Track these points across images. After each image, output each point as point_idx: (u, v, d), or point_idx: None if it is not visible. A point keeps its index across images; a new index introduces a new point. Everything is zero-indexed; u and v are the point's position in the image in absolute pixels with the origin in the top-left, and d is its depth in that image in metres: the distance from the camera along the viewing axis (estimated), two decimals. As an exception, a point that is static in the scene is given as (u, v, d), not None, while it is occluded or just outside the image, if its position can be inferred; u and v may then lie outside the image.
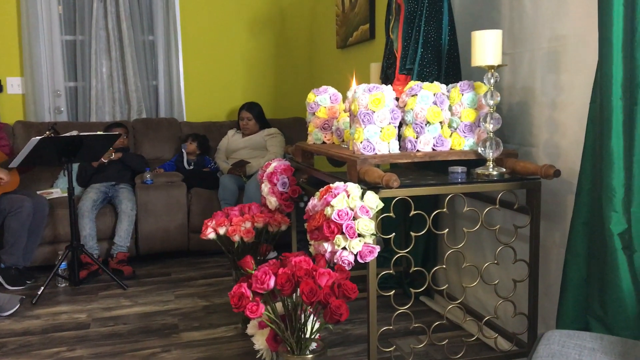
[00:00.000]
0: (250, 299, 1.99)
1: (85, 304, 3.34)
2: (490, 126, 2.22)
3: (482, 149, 2.26)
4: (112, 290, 3.57)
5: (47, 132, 3.66)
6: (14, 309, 3.17)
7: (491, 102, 2.22)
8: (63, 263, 3.64)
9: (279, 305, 2.10)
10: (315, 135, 2.92)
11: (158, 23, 4.92)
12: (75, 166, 4.19)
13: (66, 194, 3.73)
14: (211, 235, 2.99)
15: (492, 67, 2.18)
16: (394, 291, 2.28)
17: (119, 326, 3.01)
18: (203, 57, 5.13)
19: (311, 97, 2.93)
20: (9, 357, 2.68)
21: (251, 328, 2.28)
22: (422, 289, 2.36)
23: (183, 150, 4.60)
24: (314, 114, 2.92)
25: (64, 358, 2.65)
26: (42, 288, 3.39)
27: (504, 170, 2.26)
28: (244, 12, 5.19)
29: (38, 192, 4.05)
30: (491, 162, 2.25)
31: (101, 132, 3.92)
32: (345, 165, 2.38)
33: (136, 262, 4.05)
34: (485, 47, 2.16)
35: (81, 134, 3.55)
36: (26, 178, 4.00)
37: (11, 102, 4.69)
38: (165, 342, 2.79)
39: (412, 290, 2.34)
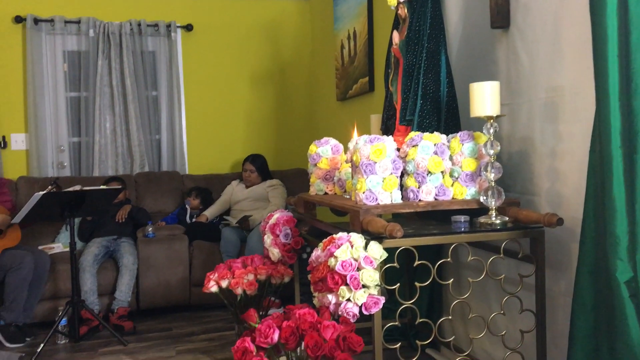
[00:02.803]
0: (254, 353, 1.96)
1: (85, 361, 3.28)
2: (491, 175, 2.24)
3: (484, 197, 2.26)
4: (113, 347, 3.51)
5: (50, 187, 3.68)
6: (13, 367, 3.12)
7: (491, 152, 2.24)
8: (63, 319, 3.59)
9: (283, 360, 2.07)
10: (317, 186, 2.94)
11: (161, 79, 5.03)
12: (77, 221, 4.19)
13: (68, 249, 3.71)
14: (213, 288, 2.97)
15: (491, 117, 2.22)
16: (399, 344, 2.24)
17: (119, 384, 2.95)
18: (205, 111, 5.21)
19: (313, 148, 2.96)
20: (6, 417, 2.61)
21: (255, 384, 2.23)
22: (429, 341, 2.32)
23: (187, 206, 4.61)
24: (315, 165, 2.94)
25: (63, 418, 2.59)
26: (42, 345, 3.33)
27: (507, 219, 2.26)
28: (245, 67, 5.31)
29: (40, 247, 4.04)
30: (494, 211, 2.25)
31: (104, 187, 3.94)
32: (347, 216, 2.38)
33: (137, 316, 4.00)
34: (484, 98, 2.20)
35: (84, 188, 3.57)
36: (28, 233, 3.99)
37: (15, 158, 4.74)
38: (166, 400, 2.72)
39: (418, 343, 2.30)
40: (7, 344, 3.55)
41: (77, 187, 3.57)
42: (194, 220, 4.56)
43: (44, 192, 3.40)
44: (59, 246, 4.20)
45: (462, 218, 2.32)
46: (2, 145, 4.66)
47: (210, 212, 4.60)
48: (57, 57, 4.80)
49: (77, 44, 4.84)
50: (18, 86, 4.74)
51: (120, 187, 4.03)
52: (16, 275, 3.60)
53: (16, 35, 4.72)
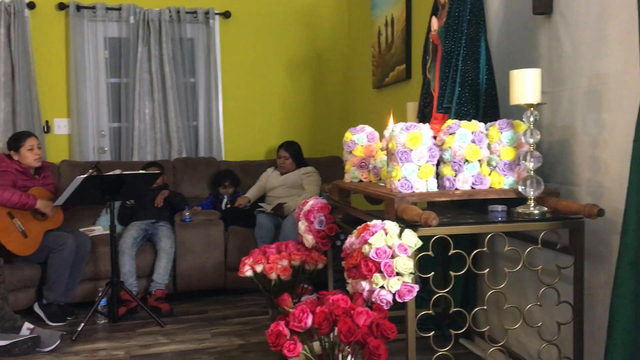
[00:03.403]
0: (288, 337, 1.98)
1: (124, 341, 3.36)
2: (530, 164, 2.20)
3: (523, 187, 2.23)
4: (150, 328, 3.59)
5: (90, 171, 3.77)
6: (55, 345, 3.22)
7: (531, 141, 2.20)
8: (103, 300, 3.69)
9: (316, 345, 2.08)
10: (352, 174, 2.94)
11: (199, 65, 5.08)
12: (117, 205, 4.28)
13: (108, 232, 3.81)
14: (248, 272, 3.01)
15: (531, 105, 2.18)
16: (433, 332, 2.23)
17: (156, 364, 3.02)
18: (241, 98, 5.25)
19: (348, 135, 2.95)
20: (49, 392, 2.71)
21: (288, 368, 2.26)
22: (463, 330, 2.30)
23: (224, 196, 4.65)
24: (351, 152, 2.94)
25: (102, 395, 2.67)
26: (82, 324, 3.43)
27: (546, 209, 2.22)
28: (281, 54, 5.32)
29: (81, 230, 4.15)
30: (532, 201, 2.22)
31: (143, 171, 4.02)
32: (382, 204, 2.38)
33: (173, 299, 4.08)
34: (524, 85, 2.16)
35: (124, 172, 3.65)
36: (69, 216, 4.10)
37: (57, 143, 4.87)
38: (201, 381, 2.78)
39: (452, 332, 2.29)
40: (49, 323, 3.67)
41: (117, 172, 3.65)
42: (228, 206, 4.60)
43: (86, 175, 3.49)
44: (99, 229, 4.31)
45: (500, 207, 2.29)
46: (45, 130, 4.79)
47: (251, 194, 4.65)
48: (99, 43, 4.89)
49: (118, 30, 4.92)
50: (61, 72, 4.85)
51: (158, 172, 4.11)
52: (58, 256, 3.71)
53: (59, 22, 4.82)
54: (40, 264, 3.79)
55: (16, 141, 3.84)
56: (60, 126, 4.88)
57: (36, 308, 3.74)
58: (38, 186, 3.88)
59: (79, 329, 3.41)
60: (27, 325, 3.22)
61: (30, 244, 3.69)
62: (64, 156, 4.83)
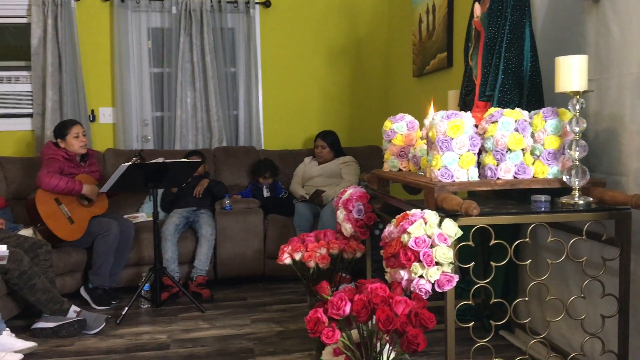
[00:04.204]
0: (326, 324, 1.98)
1: (166, 325, 3.44)
2: (576, 154, 2.14)
3: (567, 177, 2.18)
4: (191, 313, 3.67)
5: (134, 159, 3.85)
6: (100, 328, 3.32)
7: (577, 129, 2.14)
8: (146, 285, 3.78)
9: (354, 333, 2.09)
10: (391, 163, 2.92)
11: (240, 55, 5.11)
12: (159, 193, 4.37)
13: (151, 219, 3.89)
14: (287, 260, 3.03)
15: (577, 93, 2.12)
16: (472, 323, 2.21)
17: (197, 348, 3.08)
18: (281, 87, 5.27)
19: (388, 124, 2.93)
20: (95, 373, 2.80)
21: (326, 355, 2.27)
22: (503, 322, 2.27)
23: (263, 185, 4.68)
24: (390, 141, 2.92)
25: (145, 377, 2.74)
26: (126, 308, 3.53)
27: (591, 199, 2.17)
28: (321, 43, 5.31)
29: (125, 216, 4.25)
30: (577, 191, 2.16)
31: (185, 159, 4.08)
32: (421, 194, 2.36)
33: (214, 285, 4.14)
34: (570, 72, 2.10)
35: (167, 160, 3.72)
36: (114, 203, 4.21)
37: (103, 131, 4.99)
38: (241, 366, 2.83)
39: (493, 323, 2.26)
40: (95, 306, 3.78)
41: (160, 160, 3.72)
42: (268, 195, 4.65)
43: (130, 163, 3.56)
44: (143, 216, 4.41)
45: (543, 198, 2.25)
46: (91, 119, 4.92)
47: (301, 192, 4.62)
48: (142, 34, 4.98)
49: (161, 20, 5.00)
50: (106, 62, 4.97)
51: (200, 160, 4.17)
52: (103, 241, 3.82)
53: (104, 13, 4.93)
54: (86, 249, 3.91)
55: (62, 129, 3.95)
56: (105, 115, 5.00)
57: (82, 292, 3.86)
58: (84, 173, 3.98)
59: (123, 312, 3.51)
60: (73, 308, 3.32)
61: (77, 230, 3.80)
62: (109, 144, 4.95)
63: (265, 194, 4.66)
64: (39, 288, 3.20)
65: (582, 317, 2.26)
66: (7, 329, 3.01)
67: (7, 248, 2.84)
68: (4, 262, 2.84)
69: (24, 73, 4.84)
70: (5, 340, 2.94)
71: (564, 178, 2.19)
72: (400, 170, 2.90)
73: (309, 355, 2.92)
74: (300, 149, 5.20)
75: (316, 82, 5.33)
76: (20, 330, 3.25)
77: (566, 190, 2.22)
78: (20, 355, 2.88)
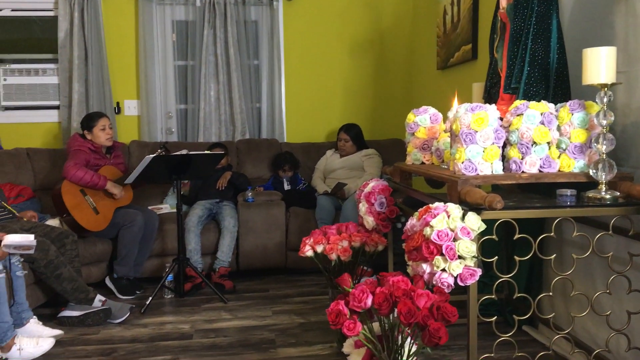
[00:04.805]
0: (348, 316, 1.99)
1: (189, 315, 3.48)
2: (603, 147, 2.11)
3: (594, 171, 2.14)
4: (214, 303, 3.70)
5: (159, 151, 3.89)
6: (125, 317, 3.37)
7: (604, 122, 2.11)
8: (170, 275, 3.83)
9: (375, 326, 2.09)
10: (414, 156, 2.90)
11: (263, 48, 5.12)
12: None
13: (175, 210, 3.93)
14: (309, 252, 3.04)
15: (605, 85, 2.08)
16: (495, 317, 2.19)
17: (220, 338, 3.11)
18: (304, 80, 5.26)
19: (411, 117, 2.92)
20: (119, 361, 2.85)
21: (347, 347, 2.28)
22: (526, 316, 2.25)
23: (284, 179, 4.69)
24: (413, 134, 2.90)
25: (168, 365, 2.78)
26: (150, 298, 3.58)
27: (618, 194, 2.13)
28: (344, 35, 5.29)
29: (149, 208, 4.30)
30: (604, 185, 2.13)
31: (208, 152, 4.11)
32: (444, 187, 2.34)
33: (236, 276, 4.18)
34: (598, 64, 2.06)
35: (190, 152, 3.75)
36: (138, 194, 4.26)
37: (128, 123, 5.05)
38: (263, 357, 2.84)
39: (516, 318, 2.24)
40: (120, 296, 3.84)
41: (184, 152, 3.75)
42: (289, 187, 4.66)
43: (154, 155, 3.60)
44: (167, 207, 4.45)
45: (569, 192, 2.22)
46: (116, 111, 4.98)
47: (323, 188, 4.62)
48: (167, 26, 5.02)
49: (185, 13, 5.03)
50: (131, 55, 5.02)
51: (223, 152, 4.20)
52: (128, 232, 3.87)
53: (130, 6, 4.97)
54: (111, 240, 3.97)
55: (89, 121, 4.00)
56: (130, 107, 5.06)
57: (107, 281, 3.92)
58: (109, 165, 4.04)
59: (147, 302, 3.56)
60: (99, 297, 3.38)
61: (102, 220, 3.86)
62: (134, 136, 5.01)
63: (286, 187, 4.67)
64: (65, 277, 3.26)
65: (608, 313, 2.23)
66: (35, 317, 3.08)
67: (35, 238, 2.90)
68: (32, 252, 2.90)
69: (51, 66, 4.92)
70: (33, 327, 3.01)
71: (591, 172, 2.16)
72: (423, 163, 2.88)
73: (330, 347, 2.93)
74: (323, 141, 5.20)
75: (339, 74, 5.32)
76: (47, 318, 3.31)
77: (592, 184, 2.19)
78: (53, 340, 2.94)
